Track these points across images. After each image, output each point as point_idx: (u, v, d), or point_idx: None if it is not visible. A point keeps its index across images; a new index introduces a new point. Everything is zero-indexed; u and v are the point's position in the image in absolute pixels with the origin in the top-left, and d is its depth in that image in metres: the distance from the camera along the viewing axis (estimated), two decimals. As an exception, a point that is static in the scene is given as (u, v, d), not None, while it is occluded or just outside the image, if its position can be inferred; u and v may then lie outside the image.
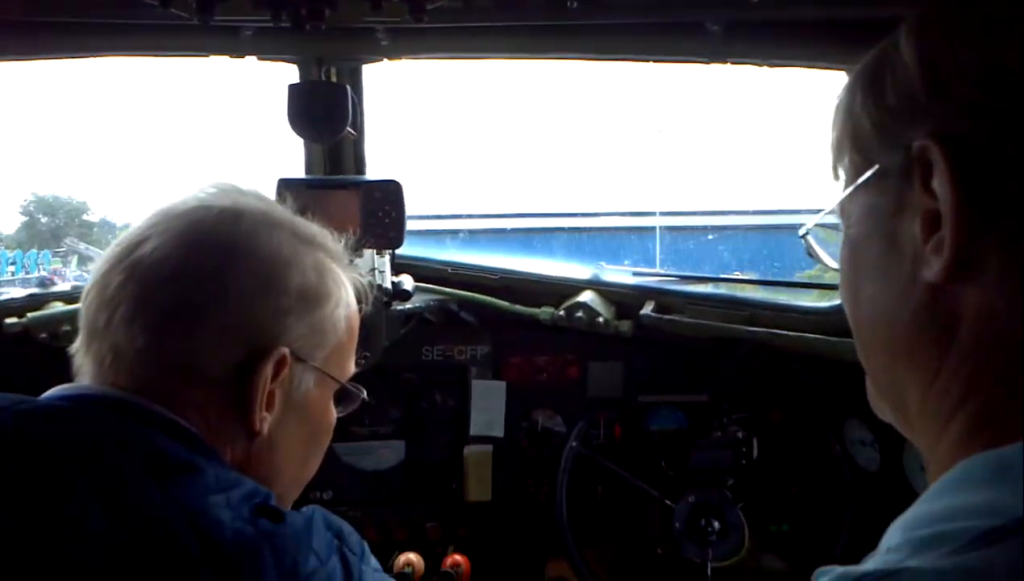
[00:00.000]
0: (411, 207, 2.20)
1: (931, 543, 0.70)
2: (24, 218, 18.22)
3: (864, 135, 0.83)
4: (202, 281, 1.23)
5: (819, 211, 0.98)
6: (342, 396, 1.50)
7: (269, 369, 1.25)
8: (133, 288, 1.22)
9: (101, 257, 1.28)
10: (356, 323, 1.46)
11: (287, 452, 1.36)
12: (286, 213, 1.39)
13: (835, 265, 0.91)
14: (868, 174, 0.81)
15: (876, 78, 0.83)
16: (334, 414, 1.47)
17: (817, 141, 0.95)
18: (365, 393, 1.53)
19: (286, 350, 1.27)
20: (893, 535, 0.76)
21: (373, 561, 1.33)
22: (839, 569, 0.74)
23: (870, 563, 0.73)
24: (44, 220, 18.25)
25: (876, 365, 0.88)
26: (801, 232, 1.04)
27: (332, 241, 1.44)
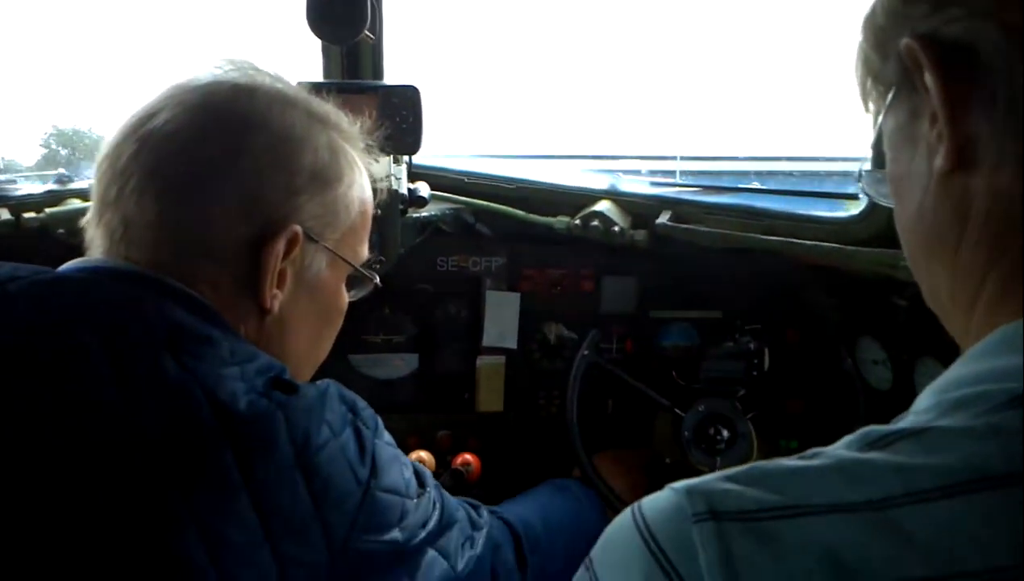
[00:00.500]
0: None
1: (963, 404, 0.72)
2: (44, 150, 18.18)
3: (873, 63, 0.88)
4: (214, 154, 1.23)
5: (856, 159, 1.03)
6: (354, 280, 1.51)
7: (281, 246, 1.26)
8: (145, 159, 1.22)
9: (114, 129, 1.28)
10: (370, 208, 1.48)
11: (298, 331, 1.37)
12: (301, 92, 1.37)
13: (890, 203, 0.95)
14: (889, 97, 0.86)
15: (870, 8, 0.88)
16: (346, 298, 1.49)
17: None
18: (378, 279, 1.56)
19: (298, 228, 1.27)
20: (925, 398, 0.79)
21: (387, 436, 1.35)
22: (867, 428, 0.76)
23: (900, 423, 0.75)
24: (64, 153, 18.19)
25: (919, 268, 0.91)
26: (856, 173, 1.09)
27: (347, 122, 1.44)
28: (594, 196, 2.42)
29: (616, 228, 2.35)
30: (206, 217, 1.24)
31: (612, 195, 2.43)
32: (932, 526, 0.65)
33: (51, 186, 2.28)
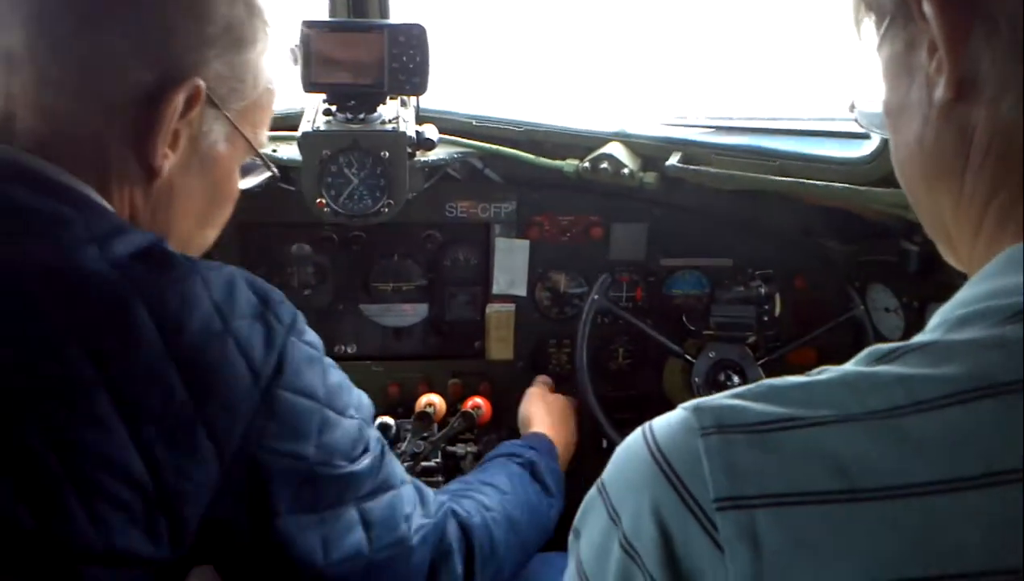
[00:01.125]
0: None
1: (968, 320, 0.73)
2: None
3: None
4: None
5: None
6: (250, 166, 1.43)
7: (180, 100, 1.16)
8: None
9: None
10: (276, 90, 1.39)
11: (186, 206, 1.27)
12: None
13: (885, 134, 0.94)
14: (883, 26, 0.85)
15: None
16: (238, 184, 1.39)
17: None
18: (276, 171, 1.48)
19: (201, 83, 1.17)
20: (934, 318, 0.79)
21: (310, 336, 1.24)
22: (873, 346, 0.77)
23: (908, 341, 0.76)
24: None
25: (920, 200, 0.91)
26: (850, 106, 1.07)
27: None
28: (603, 138, 2.40)
29: (625, 170, 2.33)
30: (101, 59, 1.13)
31: (621, 137, 2.40)
32: (936, 432, 0.66)
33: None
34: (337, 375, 1.28)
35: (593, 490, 0.82)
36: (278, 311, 1.17)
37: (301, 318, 1.22)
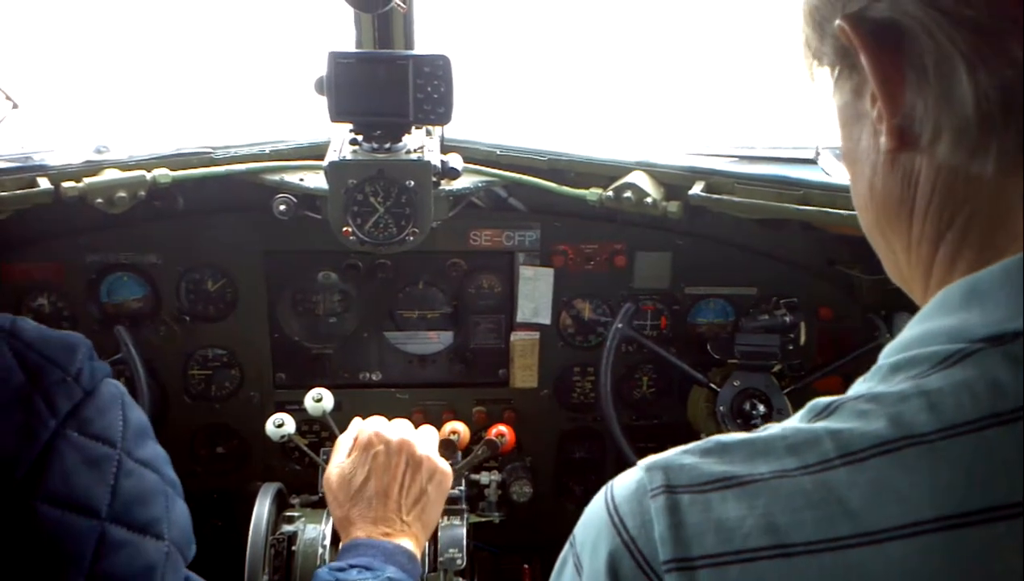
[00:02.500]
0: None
1: (901, 368, 0.74)
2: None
3: (812, 42, 0.87)
4: None
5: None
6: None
7: None
8: None
9: None
10: None
11: None
12: None
13: (845, 179, 0.97)
14: (834, 75, 0.86)
15: None
16: None
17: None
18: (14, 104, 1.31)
19: None
20: (875, 365, 0.80)
21: (108, 419, 1.01)
22: (814, 400, 0.78)
23: (848, 393, 0.77)
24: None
25: (877, 244, 0.92)
26: (814, 154, 1.07)
27: None
28: (627, 168, 2.41)
29: (649, 199, 2.34)
30: None
31: (645, 166, 2.41)
32: (862, 485, 0.67)
33: (89, 156, 2.32)
34: (143, 479, 1.02)
35: (567, 545, 0.85)
36: (52, 393, 0.95)
37: (101, 398, 1.00)
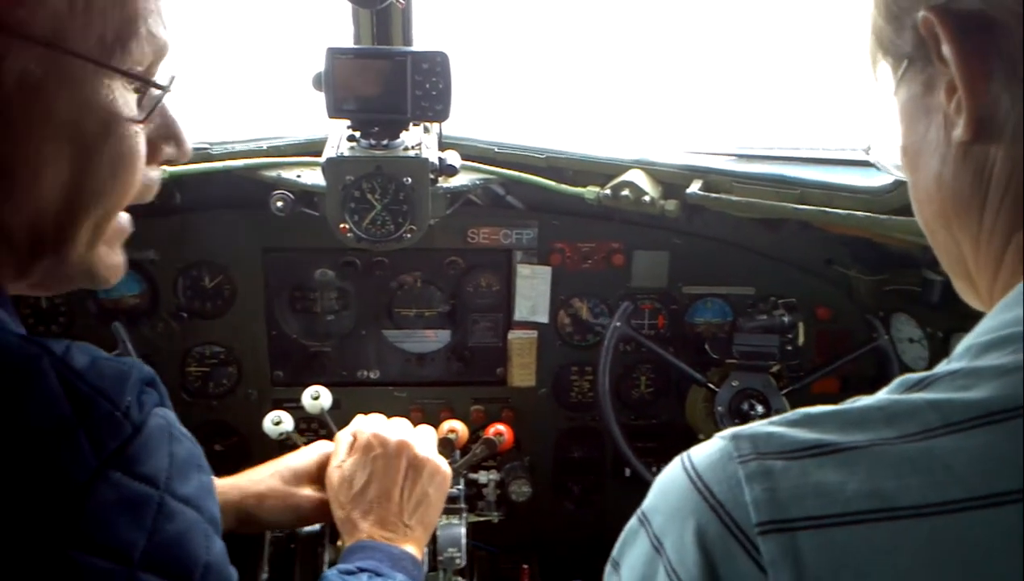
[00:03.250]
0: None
1: (992, 346, 0.76)
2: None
3: (885, 35, 0.88)
4: None
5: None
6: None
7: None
8: None
9: None
10: None
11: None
12: None
13: (901, 175, 0.96)
14: (901, 69, 0.87)
15: None
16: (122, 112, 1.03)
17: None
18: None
19: None
20: (960, 346, 0.81)
21: (156, 462, 0.96)
22: (904, 376, 0.79)
23: (935, 370, 0.78)
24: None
25: (938, 237, 0.92)
26: (866, 149, 1.10)
27: None
28: (625, 166, 2.40)
29: (646, 198, 2.33)
30: None
31: (643, 165, 2.40)
32: (968, 452, 0.68)
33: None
34: (184, 519, 0.97)
35: (634, 521, 0.84)
36: (98, 429, 0.90)
37: (149, 434, 0.94)
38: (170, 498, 0.94)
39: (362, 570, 1.57)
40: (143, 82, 1.03)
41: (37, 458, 0.85)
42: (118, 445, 0.90)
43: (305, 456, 1.94)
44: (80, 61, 0.95)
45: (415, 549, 1.73)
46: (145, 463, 0.92)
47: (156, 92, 1.06)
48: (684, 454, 0.81)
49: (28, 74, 0.91)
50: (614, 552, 0.86)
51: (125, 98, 1.01)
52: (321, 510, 1.83)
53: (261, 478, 1.88)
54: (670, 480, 0.80)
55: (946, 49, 0.78)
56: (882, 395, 0.77)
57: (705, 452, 0.78)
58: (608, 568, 0.87)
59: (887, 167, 1.05)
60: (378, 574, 1.57)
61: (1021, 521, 0.64)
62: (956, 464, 0.67)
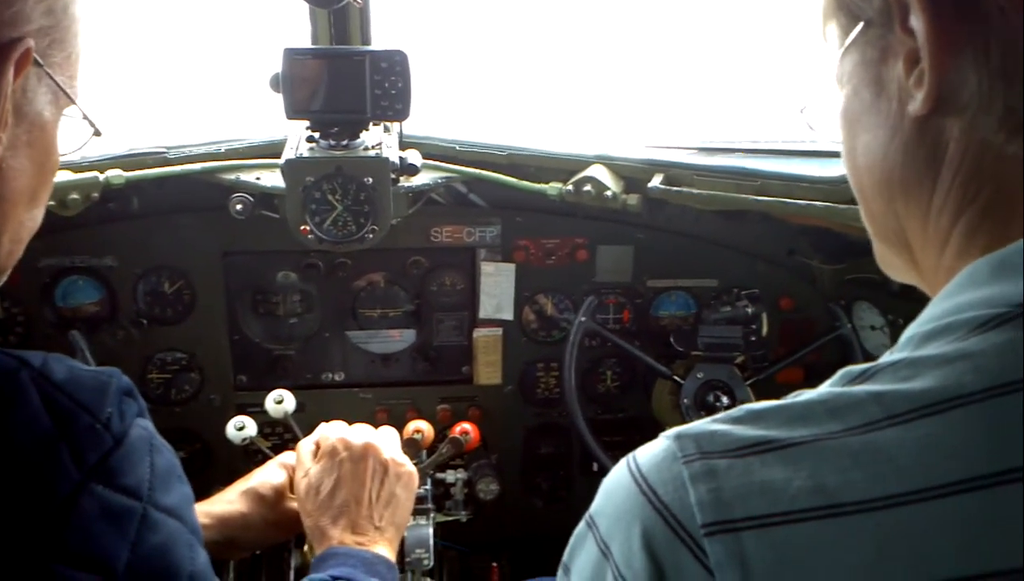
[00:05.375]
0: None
1: (936, 335, 0.75)
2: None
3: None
4: None
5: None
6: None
7: (11, 70, 0.92)
8: None
9: None
10: (85, 39, 1.09)
11: (19, 187, 1.01)
12: None
13: (837, 139, 0.95)
14: (856, 30, 0.85)
15: None
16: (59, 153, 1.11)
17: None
18: (100, 131, 1.17)
19: (31, 43, 0.94)
20: (902, 336, 0.81)
21: (137, 475, 0.96)
22: (846, 368, 0.79)
23: (878, 361, 0.77)
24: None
25: (878, 212, 0.91)
26: (801, 108, 1.06)
27: None
28: (586, 161, 2.40)
29: (608, 192, 2.34)
30: None
31: (604, 160, 2.40)
32: (912, 443, 0.68)
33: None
34: (166, 530, 0.97)
35: (582, 524, 0.83)
36: (79, 442, 0.89)
37: (131, 446, 0.94)
38: (153, 509, 0.94)
39: (335, 578, 1.56)
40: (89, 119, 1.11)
41: (19, 473, 0.85)
42: (99, 457, 0.90)
43: (277, 471, 1.93)
44: (63, 93, 1.03)
45: (388, 551, 1.72)
46: (127, 475, 0.92)
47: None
48: (630, 455, 0.80)
49: (43, 105, 1.00)
50: (565, 556, 0.86)
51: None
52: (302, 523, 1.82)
53: (236, 500, 1.86)
54: (616, 482, 0.79)
55: (916, 20, 0.77)
56: (824, 388, 0.77)
57: (650, 453, 0.77)
58: (560, 573, 0.86)
59: (819, 129, 1.04)
60: (352, 580, 1.56)
61: (961, 513, 0.64)
62: (899, 457, 0.67)
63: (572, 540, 0.84)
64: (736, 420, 0.75)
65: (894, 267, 0.96)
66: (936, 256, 0.85)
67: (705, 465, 0.72)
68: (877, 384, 0.73)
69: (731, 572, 0.67)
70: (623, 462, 0.80)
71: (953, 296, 0.77)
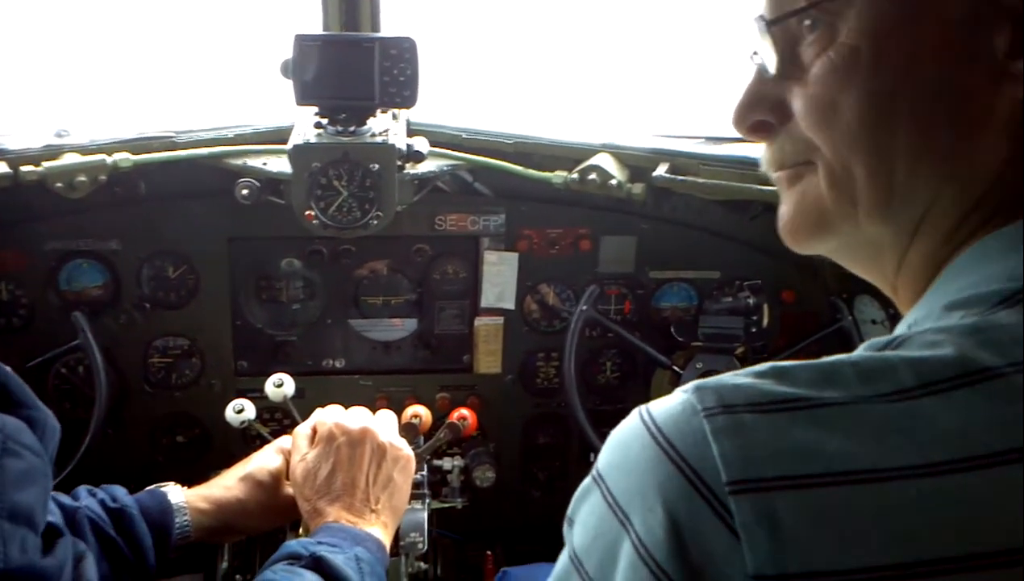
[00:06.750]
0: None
1: (958, 307, 0.75)
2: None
3: None
4: None
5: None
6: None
7: None
8: None
9: None
10: None
11: None
12: None
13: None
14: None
15: None
16: None
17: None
18: None
19: None
20: (914, 313, 0.81)
21: None
22: (871, 339, 0.78)
23: (905, 330, 0.77)
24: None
25: (872, 160, 0.86)
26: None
27: None
28: (592, 150, 2.42)
29: (613, 181, 2.35)
30: None
31: (610, 149, 2.42)
32: (952, 413, 0.67)
33: (49, 140, 2.28)
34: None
35: (588, 480, 0.79)
36: None
37: None
38: None
39: (320, 543, 1.59)
40: None
41: None
42: None
43: (273, 457, 1.94)
44: None
45: (383, 533, 1.74)
46: None
47: None
48: (641, 407, 0.76)
49: None
50: (569, 510, 0.83)
51: None
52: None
53: (233, 485, 1.88)
54: (628, 435, 0.75)
55: None
56: (855, 353, 0.75)
57: (666, 406, 0.73)
58: (565, 526, 0.83)
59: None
60: (335, 546, 1.59)
61: (1009, 484, 0.64)
62: (939, 425, 0.66)
63: (576, 495, 0.81)
64: (760, 375, 0.72)
65: (879, 248, 0.91)
66: (951, 229, 0.84)
67: (730, 419, 0.68)
68: (907, 351, 0.72)
69: (759, 533, 0.65)
70: (634, 415, 0.76)
71: (965, 273, 0.78)
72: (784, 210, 0.96)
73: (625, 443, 0.76)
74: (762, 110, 0.93)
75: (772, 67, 0.90)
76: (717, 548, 0.66)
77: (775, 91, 0.92)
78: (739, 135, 0.99)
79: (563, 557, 0.82)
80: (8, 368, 1.08)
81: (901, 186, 0.85)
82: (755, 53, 0.92)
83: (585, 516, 0.79)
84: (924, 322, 0.77)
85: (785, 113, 0.91)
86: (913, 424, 0.67)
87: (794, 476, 0.66)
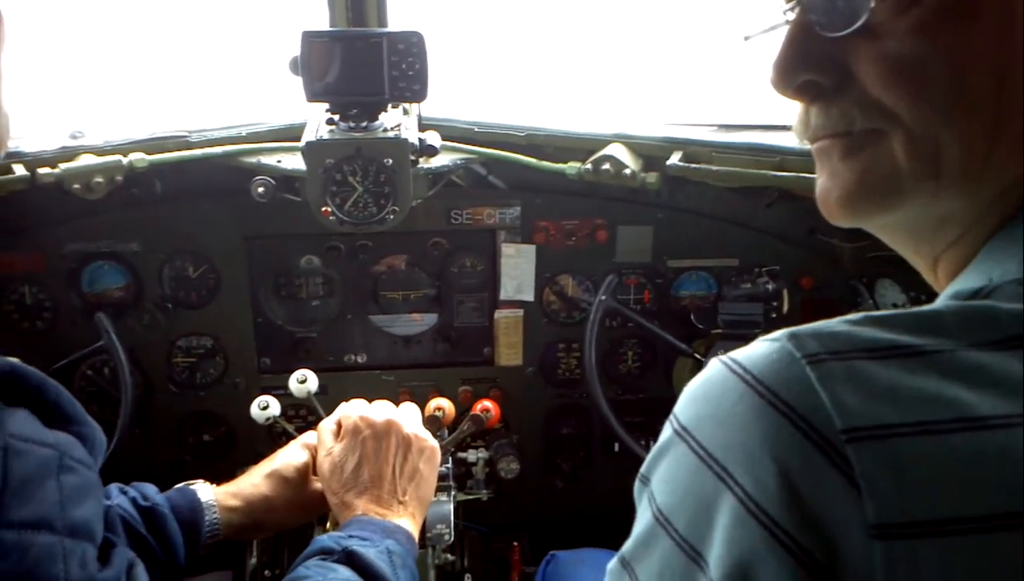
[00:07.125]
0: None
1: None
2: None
3: None
4: None
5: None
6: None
7: None
8: None
9: None
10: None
11: None
12: None
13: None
14: None
15: None
16: None
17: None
18: None
19: None
20: (982, 269, 0.78)
21: None
22: (956, 288, 0.76)
23: (988, 282, 0.75)
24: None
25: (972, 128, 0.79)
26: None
27: None
28: (605, 140, 2.41)
29: (627, 171, 2.34)
30: None
31: (623, 138, 2.41)
32: None
33: (65, 142, 2.30)
34: (18, 550, 1.00)
35: (667, 435, 0.76)
36: None
37: None
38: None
39: (351, 536, 1.60)
40: None
41: None
42: None
43: (299, 452, 1.95)
44: None
45: (411, 524, 1.75)
46: None
47: None
48: (724, 357, 0.73)
49: None
50: (644, 468, 0.79)
51: None
52: (327, 502, 1.84)
53: (260, 482, 1.89)
54: (715, 385, 0.72)
55: None
56: (939, 302, 0.72)
57: (757, 353, 0.70)
58: (638, 484, 0.80)
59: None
60: (366, 539, 1.59)
61: None
62: None
63: (654, 452, 0.78)
64: (855, 323, 0.69)
65: (942, 222, 0.85)
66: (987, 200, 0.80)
67: (840, 366, 0.65)
68: (1001, 301, 0.70)
69: (882, 481, 0.62)
70: (717, 364, 0.73)
71: (997, 252, 0.76)
72: (841, 181, 0.87)
73: (715, 394, 0.72)
74: (814, 69, 0.84)
75: (855, 19, 0.80)
76: (835, 497, 0.63)
77: (831, 49, 0.82)
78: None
79: (644, 517, 0.78)
80: (60, 386, 1.08)
81: (996, 159, 0.78)
82: (795, 6, 0.85)
83: (669, 473, 0.75)
84: (1007, 274, 0.73)
85: (844, 74, 0.83)
86: (1011, 372, 0.65)
87: (918, 423, 0.63)
